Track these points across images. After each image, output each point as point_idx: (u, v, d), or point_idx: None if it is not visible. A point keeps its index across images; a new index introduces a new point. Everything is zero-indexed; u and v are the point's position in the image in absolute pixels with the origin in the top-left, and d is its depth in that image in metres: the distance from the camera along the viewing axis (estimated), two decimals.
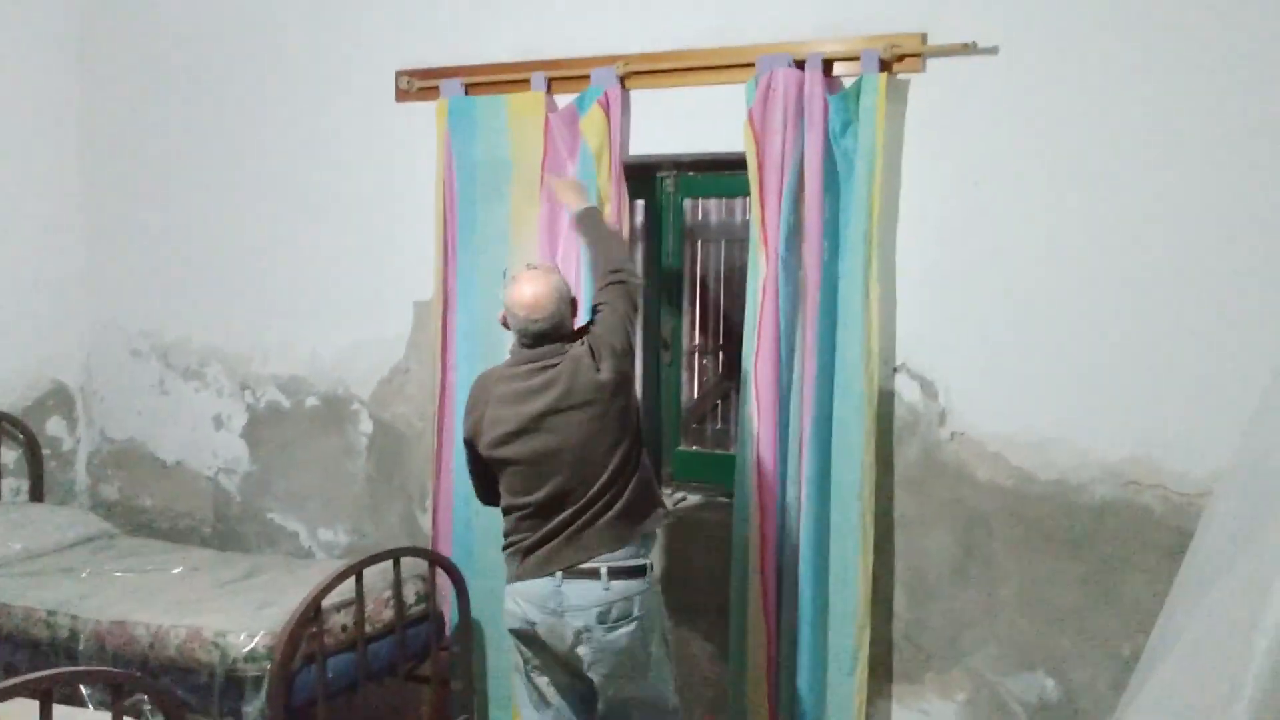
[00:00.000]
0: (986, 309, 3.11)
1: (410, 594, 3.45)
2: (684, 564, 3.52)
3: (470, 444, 2.90)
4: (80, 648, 3.24)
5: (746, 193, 3.30)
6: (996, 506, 3.12)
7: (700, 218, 3.87)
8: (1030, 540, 3.08)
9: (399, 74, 3.85)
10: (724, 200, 3.83)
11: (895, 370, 3.20)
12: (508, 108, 3.59)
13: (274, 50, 4.14)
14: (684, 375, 3.85)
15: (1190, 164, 2.87)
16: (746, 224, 3.40)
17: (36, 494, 4.43)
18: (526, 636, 2.85)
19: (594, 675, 2.81)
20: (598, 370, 2.77)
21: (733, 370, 3.60)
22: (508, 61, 3.66)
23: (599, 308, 2.90)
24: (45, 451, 4.50)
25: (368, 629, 3.27)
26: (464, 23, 3.77)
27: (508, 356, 2.95)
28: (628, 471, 2.81)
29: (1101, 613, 3.01)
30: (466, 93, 3.67)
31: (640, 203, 3.77)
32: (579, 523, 2.77)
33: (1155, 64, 2.90)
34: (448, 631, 3.64)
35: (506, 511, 2.87)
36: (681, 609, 3.50)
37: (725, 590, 3.36)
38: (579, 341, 2.83)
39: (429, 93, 3.75)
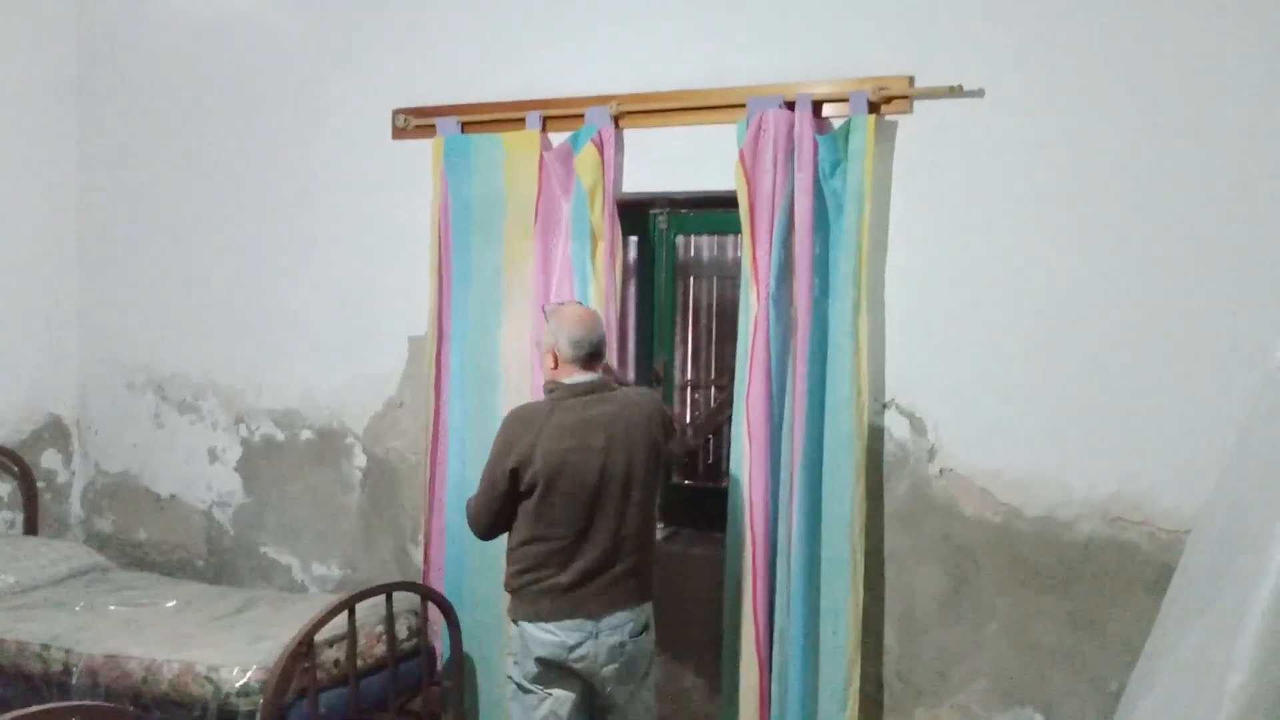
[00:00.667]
0: (974, 346, 3.15)
1: (402, 629, 3.46)
2: (676, 598, 3.53)
3: (514, 474, 2.83)
4: (74, 682, 3.24)
5: (738, 230, 3.34)
6: (985, 542, 3.15)
7: (692, 254, 3.92)
8: (1018, 576, 3.11)
9: (396, 112, 3.90)
10: (715, 237, 3.88)
11: (885, 407, 3.24)
12: (503, 145, 3.64)
13: (272, 88, 4.18)
14: (676, 410, 3.88)
15: (1174, 205, 2.92)
16: (737, 261, 3.44)
17: (31, 527, 4.43)
18: (556, 663, 2.84)
19: (614, 685, 2.88)
20: (651, 420, 2.92)
21: (724, 405, 3.63)
22: (503, 101, 3.71)
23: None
24: (40, 484, 4.51)
25: (360, 664, 3.28)
26: (460, 62, 3.82)
27: (536, 398, 3.01)
28: (651, 530, 2.95)
29: (1089, 648, 3.03)
30: (462, 131, 3.72)
31: (633, 239, 3.81)
32: (618, 568, 2.86)
33: (1139, 108, 2.95)
34: (439, 666, 3.65)
35: (527, 543, 2.86)
36: (673, 644, 3.51)
37: (717, 625, 3.38)
38: (634, 391, 3.02)
39: (425, 130, 3.80)
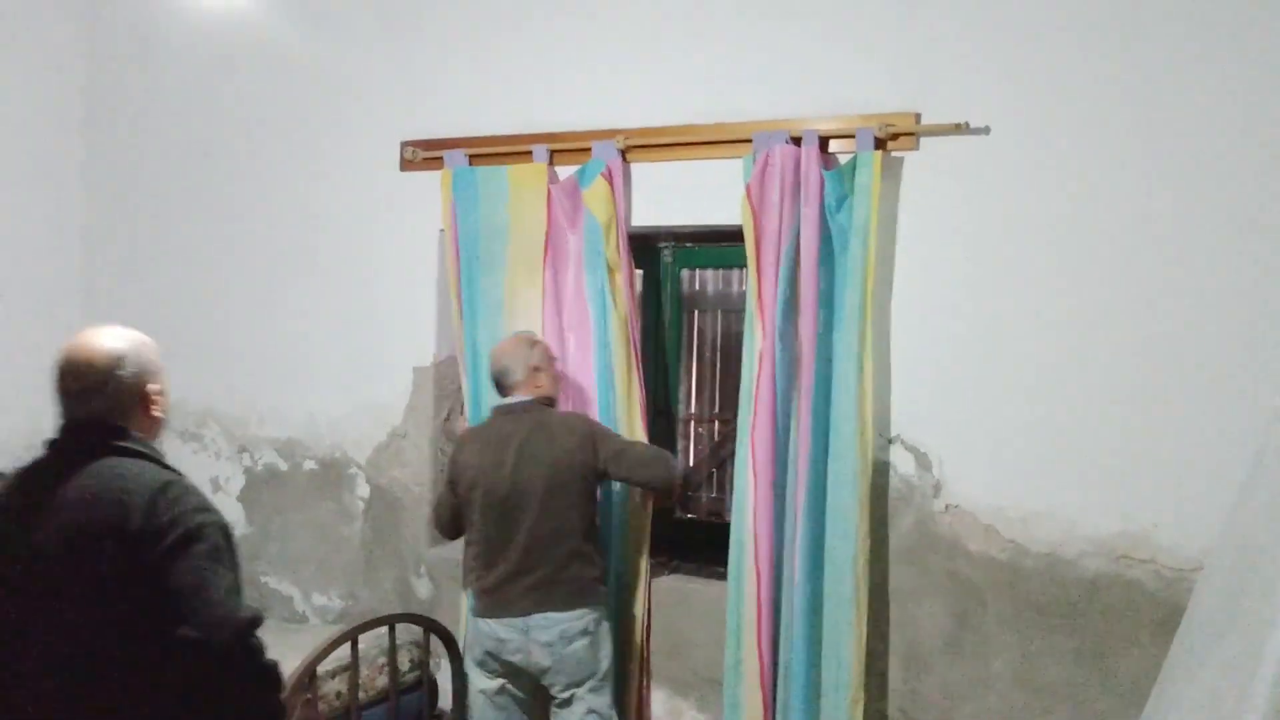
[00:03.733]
0: (980, 382, 3.15)
1: (404, 660, 3.44)
2: (677, 634, 3.52)
3: (450, 482, 3.27)
4: None
5: (743, 264, 3.35)
6: (990, 579, 3.14)
7: (697, 288, 3.93)
8: (1024, 613, 3.10)
9: (404, 144, 3.92)
10: (720, 271, 3.89)
11: (890, 442, 3.23)
12: (509, 178, 3.66)
13: (280, 118, 4.21)
14: (680, 443, 3.88)
15: (1180, 242, 2.93)
16: (742, 294, 3.45)
17: None
18: (494, 655, 3.14)
19: (555, 682, 3.12)
20: (568, 439, 3.13)
21: (728, 439, 3.63)
22: (510, 134, 3.74)
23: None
24: None
25: (361, 695, 3.26)
26: (468, 95, 3.85)
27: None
28: (573, 541, 3.12)
29: (1095, 687, 3.02)
30: (470, 163, 3.74)
31: (640, 272, 3.83)
32: (537, 573, 3.09)
33: (1144, 144, 2.97)
34: (440, 699, 3.63)
35: (467, 545, 3.24)
36: (675, 679, 3.49)
37: (719, 660, 3.36)
38: (559, 412, 3.27)
39: (433, 163, 3.82)
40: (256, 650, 2.00)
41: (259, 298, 4.26)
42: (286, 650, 3.38)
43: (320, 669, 3.09)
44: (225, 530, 2.06)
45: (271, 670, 2.02)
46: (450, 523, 3.33)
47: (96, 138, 4.61)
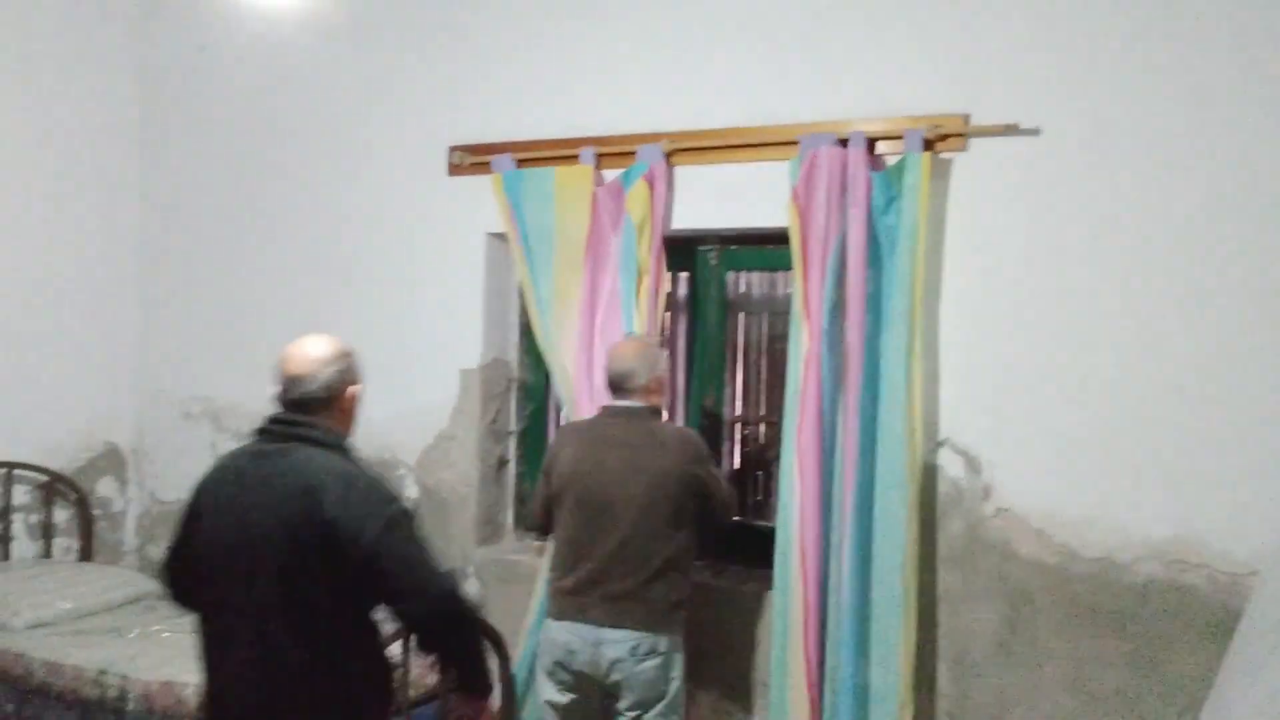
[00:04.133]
0: (1030, 385, 3.13)
1: None
2: (724, 637, 3.52)
3: (547, 475, 3.18)
4: (129, 708, 3.29)
5: (788, 267, 3.35)
6: (1041, 583, 3.11)
7: (742, 290, 3.93)
8: (1075, 618, 3.07)
9: (452, 149, 3.96)
10: (766, 273, 3.89)
11: (939, 445, 3.22)
12: (556, 181, 3.69)
13: (330, 126, 4.27)
14: (726, 445, 3.88)
15: (1232, 243, 2.89)
16: (788, 297, 3.44)
17: (86, 553, 4.51)
18: (563, 664, 3.05)
19: (622, 699, 3.02)
20: (681, 453, 3.05)
21: (774, 441, 3.62)
22: (558, 138, 3.76)
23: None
24: (96, 512, 4.59)
25: (410, 693, 3.29)
26: (516, 100, 3.88)
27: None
28: (661, 560, 3.01)
29: (1148, 693, 2.98)
30: (517, 167, 3.77)
31: (684, 275, 3.84)
32: (616, 585, 2.99)
33: (1195, 144, 2.93)
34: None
35: (556, 543, 3.15)
36: (720, 683, 3.49)
37: (765, 664, 3.35)
38: (673, 425, 3.23)
39: (480, 167, 3.86)
40: (467, 603, 2.40)
41: (309, 302, 4.32)
42: None
43: None
44: (410, 513, 2.37)
45: (479, 614, 2.50)
46: (543, 515, 3.23)
47: (151, 148, 4.70)
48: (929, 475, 3.21)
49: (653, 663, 3.00)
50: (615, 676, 3.00)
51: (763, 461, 3.76)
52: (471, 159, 3.89)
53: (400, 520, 2.29)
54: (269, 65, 4.40)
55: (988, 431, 3.17)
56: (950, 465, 3.21)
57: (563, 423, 3.68)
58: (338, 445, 2.37)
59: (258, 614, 2.26)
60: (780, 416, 3.37)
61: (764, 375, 3.93)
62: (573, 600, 3.03)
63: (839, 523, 3.21)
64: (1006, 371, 3.15)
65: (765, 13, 3.48)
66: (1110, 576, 3.03)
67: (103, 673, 3.37)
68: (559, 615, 3.06)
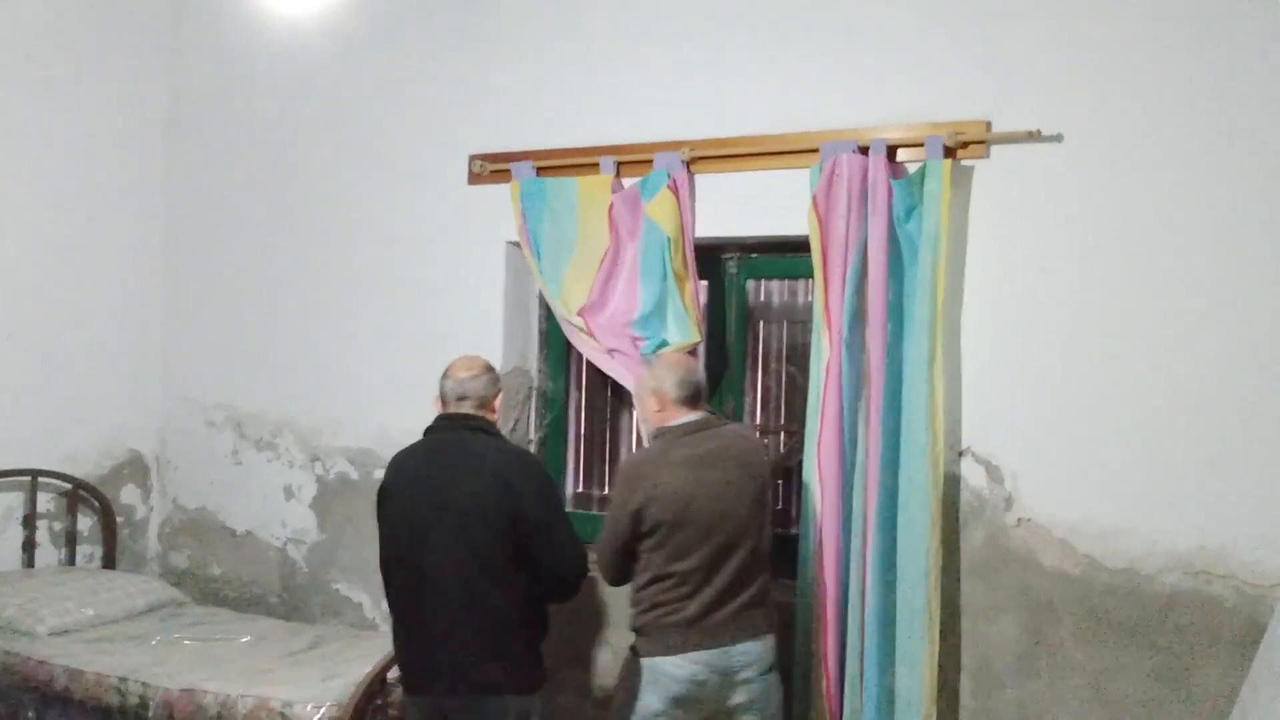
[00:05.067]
0: (1053, 395, 3.10)
1: None
2: None
3: (636, 517, 2.88)
4: (150, 715, 3.30)
5: (809, 275, 3.34)
6: (1064, 595, 3.08)
7: (762, 298, 3.92)
8: (1099, 630, 3.04)
9: (472, 158, 3.97)
10: (786, 282, 3.88)
11: (961, 454, 3.20)
12: (577, 189, 3.69)
13: (353, 135, 4.29)
14: None
15: (1258, 248, 2.87)
16: (809, 305, 3.44)
17: (109, 561, 4.54)
18: (684, 698, 2.85)
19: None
20: (757, 452, 3.01)
21: (795, 450, 3.61)
22: (577, 146, 3.77)
23: None
24: (119, 519, 4.61)
25: None
26: (536, 109, 3.89)
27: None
28: (766, 561, 2.97)
29: (1173, 705, 2.95)
30: (537, 175, 3.78)
31: (704, 283, 3.83)
32: (743, 596, 2.89)
33: (1219, 151, 2.91)
34: None
35: (654, 581, 2.89)
36: None
37: (787, 675, 3.34)
38: (726, 423, 3.09)
39: (500, 175, 3.87)
40: (587, 570, 3.02)
41: (332, 310, 4.33)
42: (357, 657, 3.47)
43: (390, 675, 3.13)
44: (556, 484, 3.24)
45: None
46: (627, 562, 2.96)
47: (176, 158, 4.74)
48: (951, 485, 3.19)
49: (774, 676, 2.96)
50: (741, 697, 2.89)
51: (784, 470, 3.74)
52: (491, 167, 3.91)
53: (551, 491, 2.98)
54: (293, 75, 4.42)
55: (1010, 441, 3.15)
56: (972, 475, 3.19)
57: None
58: (497, 433, 3.05)
59: (463, 572, 2.82)
60: (801, 425, 3.36)
61: (784, 384, 3.92)
62: (697, 628, 2.84)
63: (860, 532, 3.20)
64: (1029, 381, 3.13)
65: (785, 21, 3.47)
66: (1135, 587, 3.00)
67: (124, 680, 3.39)
68: (680, 648, 2.84)
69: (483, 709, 2.83)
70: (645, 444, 3.11)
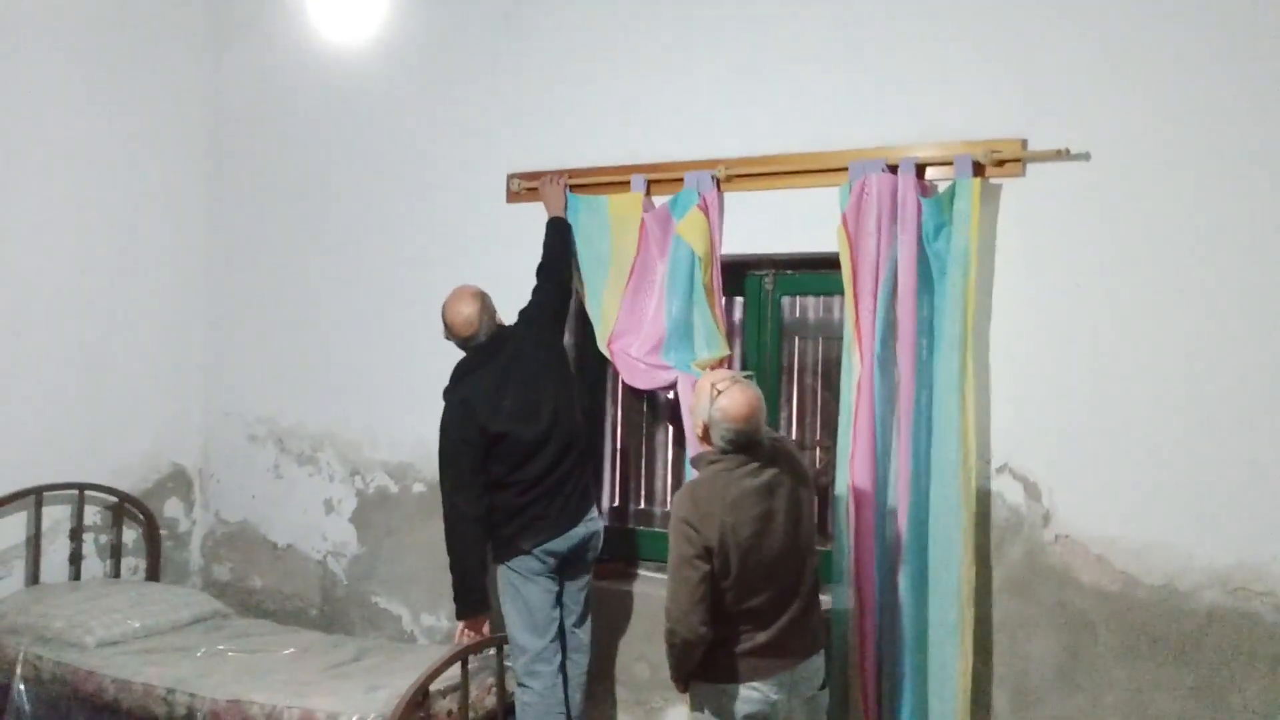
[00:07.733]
0: (1090, 411, 3.11)
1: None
2: None
3: (707, 556, 2.76)
4: None
5: (843, 291, 3.37)
6: (1102, 611, 3.08)
7: (797, 314, 3.94)
8: (1137, 646, 3.04)
9: (510, 176, 4.03)
10: (821, 298, 3.90)
11: (997, 471, 3.21)
12: (609, 207, 3.75)
13: (393, 155, 4.36)
14: None
15: None
16: (842, 322, 3.46)
17: (153, 573, 4.61)
18: (758, 718, 2.85)
19: None
20: (804, 471, 2.98)
21: (829, 465, 3.63)
22: (610, 165, 3.82)
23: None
24: (163, 532, 4.69)
25: (470, 715, 3.33)
26: (571, 128, 3.95)
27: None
28: (819, 576, 3.00)
29: None
30: (571, 193, 3.84)
31: (739, 300, 3.86)
32: (811, 617, 2.92)
33: (1250, 170, 2.92)
34: None
35: (725, 616, 2.82)
36: None
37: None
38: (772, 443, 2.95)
39: (537, 194, 3.92)
40: None
41: (373, 326, 4.40)
42: (397, 669, 3.51)
43: (432, 687, 3.18)
44: None
45: None
46: (707, 605, 2.77)
47: (219, 174, 4.83)
48: (986, 501, 3.20)
49: (827, 691, 3.00)
50: (800, 715, 2.91)
51: (817, 486, 3.76)
52: (528, 185, 3.96)
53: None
54: (334, 95, 4.50)
55: (1046, 457, 3.16)
56: (1009, 491, 3.20)
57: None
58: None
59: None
60: (835, 440, 3.39)
61: (819, 400, 3.94)
62: (770, 652, 2.83)
63: (894, 547, 3.22)
64: (1065, 397, 3.14)
65: (817, 42, 3.51)
66: (1173, 604, 3.00)
67: (171, 691, 3.46)
68: (752, 675, 2.81)
69: None
70: (691, 434, 3.14)
